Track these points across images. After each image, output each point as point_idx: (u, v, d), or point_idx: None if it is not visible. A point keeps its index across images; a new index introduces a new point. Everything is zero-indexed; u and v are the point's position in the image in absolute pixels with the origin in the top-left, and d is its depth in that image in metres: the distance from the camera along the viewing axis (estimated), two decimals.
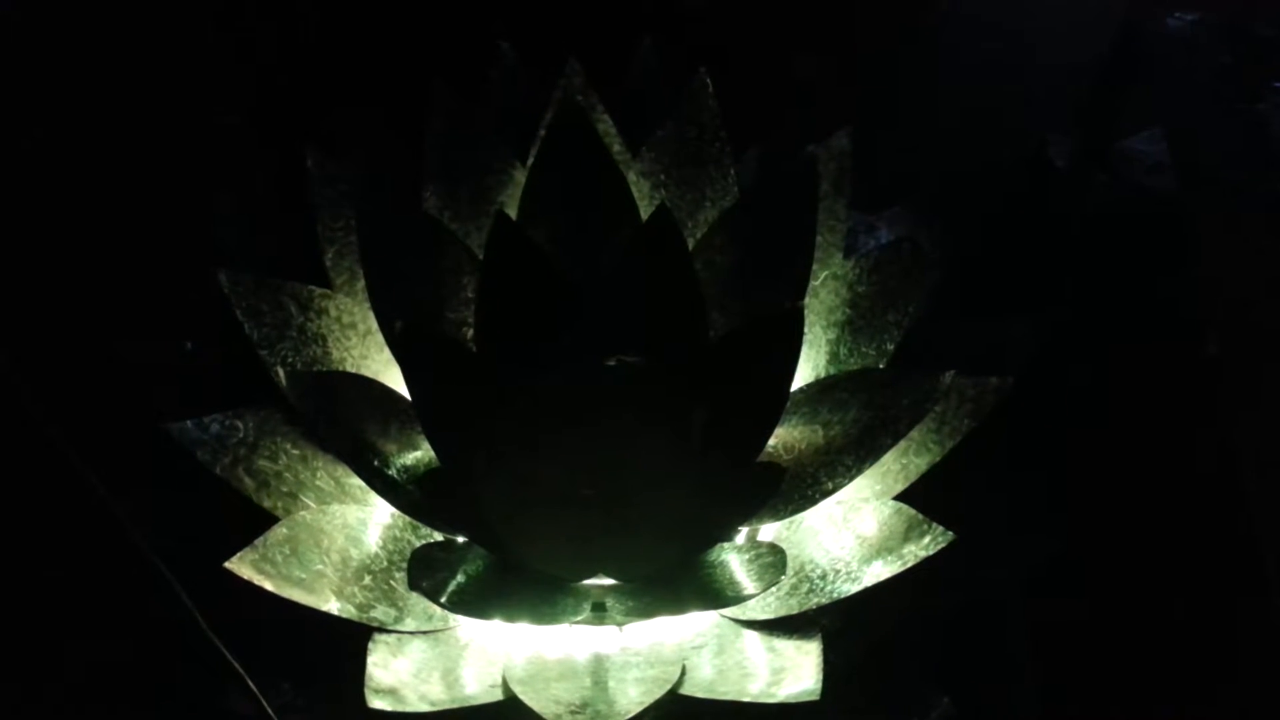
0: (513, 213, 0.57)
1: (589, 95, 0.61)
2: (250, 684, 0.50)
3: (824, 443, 0.54)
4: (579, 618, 0.51)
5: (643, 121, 0.60)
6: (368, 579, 0.52)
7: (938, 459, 0.54)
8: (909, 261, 0.56)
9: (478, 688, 0.50)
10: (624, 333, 0.53)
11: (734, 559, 0.53)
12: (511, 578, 0.52)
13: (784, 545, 0.52)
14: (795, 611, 0.51)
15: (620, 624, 0.52)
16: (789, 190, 0.55)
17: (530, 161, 0.59)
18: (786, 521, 0.55)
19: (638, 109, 0.62)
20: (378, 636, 0.50)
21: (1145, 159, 0.76)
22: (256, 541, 0.50)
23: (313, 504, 0.54)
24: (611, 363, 0.53)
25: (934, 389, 0.51)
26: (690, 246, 0.56)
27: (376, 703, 0.48)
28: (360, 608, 0.51)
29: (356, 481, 0.54)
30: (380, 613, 0.51)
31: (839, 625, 0.51)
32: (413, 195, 0.59)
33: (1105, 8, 0.77)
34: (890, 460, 0.54)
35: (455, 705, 0.49)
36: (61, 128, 0.76)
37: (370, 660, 0.49)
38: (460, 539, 0.54)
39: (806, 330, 0.50)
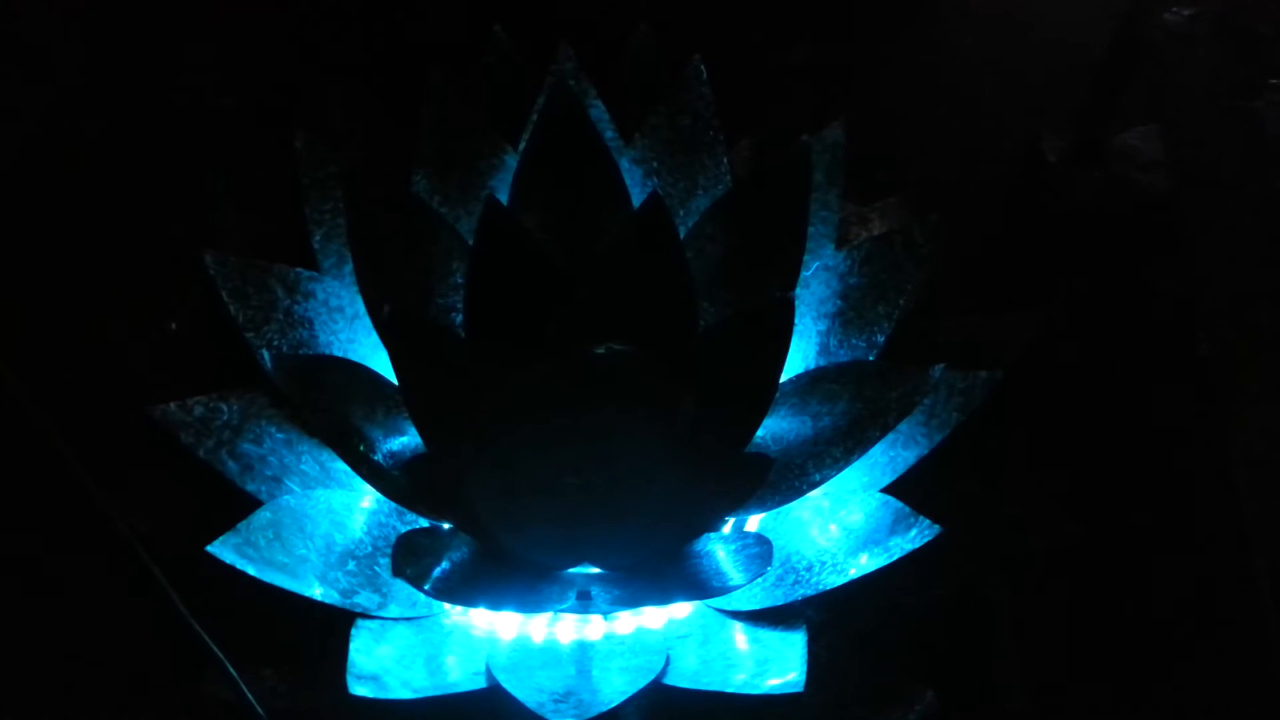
0: (503, 198, 0.56)
1: (582, 81, 0.60)
2: (230, 670, 0.49)
3: (812, 434, 0.53)
4: (564, 606, 0.51)
5: (636, 108, 0.60)
6: (351, 564, 0.52)
7: (926, 452, 0.54)
8: (901, 254, 0.56)
9: (461, 675, 0.50)
10: (614, 320, 0.53)
11: (720, 549, 0.52)
12: (496, 565, 0.52)
13: (770, 536, 0.52)
14: (781, 603, 0.51)
15: (605, 613, 0.52)
16: (782, 180, 0.54)
17: (522, 147, 0.58)
18: (773, 512, 0.54)
19: (631, 95, 0.61)
20: (360, 622, 0.50)
21: (1140, 155, 0.76)
22: (239, 525, 0.49)
23: (297, 488, 0.53)
24: (601, 351, 0.52)
25: (924, 382, 0.51)
26: (682, 235, 0.56)
27: (358, 689, 0.47)
28: (343, 593, 0.50)
29: (342, 466, 0.54)
30: (364, 598, 0.51)
31: (824, 617, 0.51)
32: (402, 179, 0.58)
33: (1105, 2, 0.76)
34: (878, 452, 0.54)
35: (438, 692, 0.49)
36: (53, 110, 0.75)
37: (352, 646, 0.49)
38: (445, 525, 0.54)
39: (797, 321, 0.50)
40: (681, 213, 0.59)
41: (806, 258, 0.56)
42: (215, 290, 0.54)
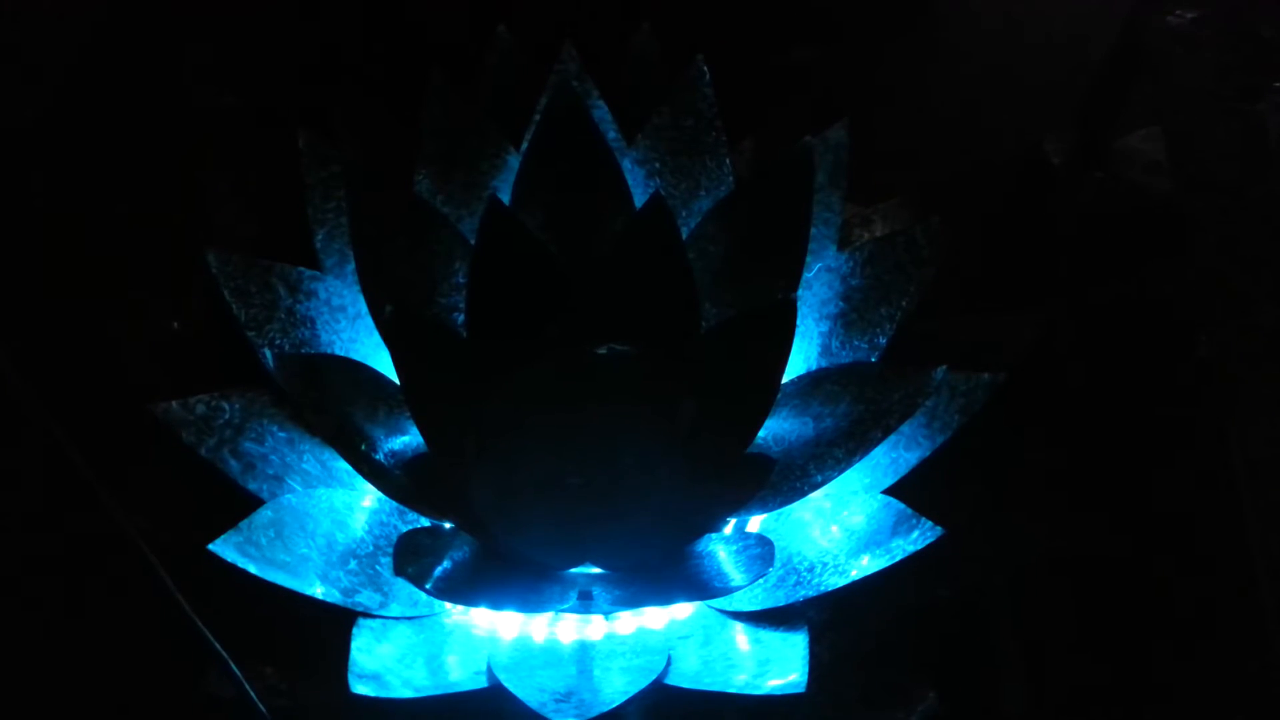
0: (506, 198, 0.56)
1: (584, 81, 0.60)
2: (233, 667, 0.49)
3: (814, 435, 0.53)
4: (565, 606, 0.51)
5: (639, 108, 0.60)
6: (353, 563, 0.52)
7: (928, 454, 0.54)
8: (903, 256, 0.56)
9: (462, 674, 0.50)
10: (616, 321, 0.53)
11: (722, 550, 0.52)
12: (498, 564, 0.52)
13: (772, 537, 0.52)
14: (782, 604, 0.51)
15: (607, 613, 0.52)
16: (784, 181, 0.54)
17: (524, 147, 0.58)
18: (775, 513, 0.54)
19: (634, 96, 0.61)
20: (362, 621, 0.50)
21: (1142, 158, 0.76)
22: (241, 524, 0.49)
23: (299, 487, 0.53)
24: (602, 351, 0.52)
25: (926, 383, 0.51)
26: (684, 236, 0.56)
27: (359, 688, 0.47)
28: (345, 592, 0.50)
29: (343, 465, 0.54)
30: (365, 597, 0.51)
31: (826, 618, 0.51)
32: (405, 178, 0.58)
33: (1107, 5, 0.76)
34: (880, 454, 0.54)
35: (439, 692, 0.49)
36: (56, 107, 0.75)
37: (354, 645, 0.49)
38: (447, 525, 0.54)
39: (799, 322, 0.50)
40: (684, 213, 0.59)
41: (808, 259, 0.56)
42: (218, 289, 0.54)
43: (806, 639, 0.49)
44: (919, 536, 0.49)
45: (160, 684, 0.54)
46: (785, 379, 0.54)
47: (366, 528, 0.53)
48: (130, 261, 0.68)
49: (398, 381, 0.52)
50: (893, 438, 0.52)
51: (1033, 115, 0.78)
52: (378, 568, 0.52)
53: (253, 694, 0.50)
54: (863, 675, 0.53)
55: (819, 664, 0.48)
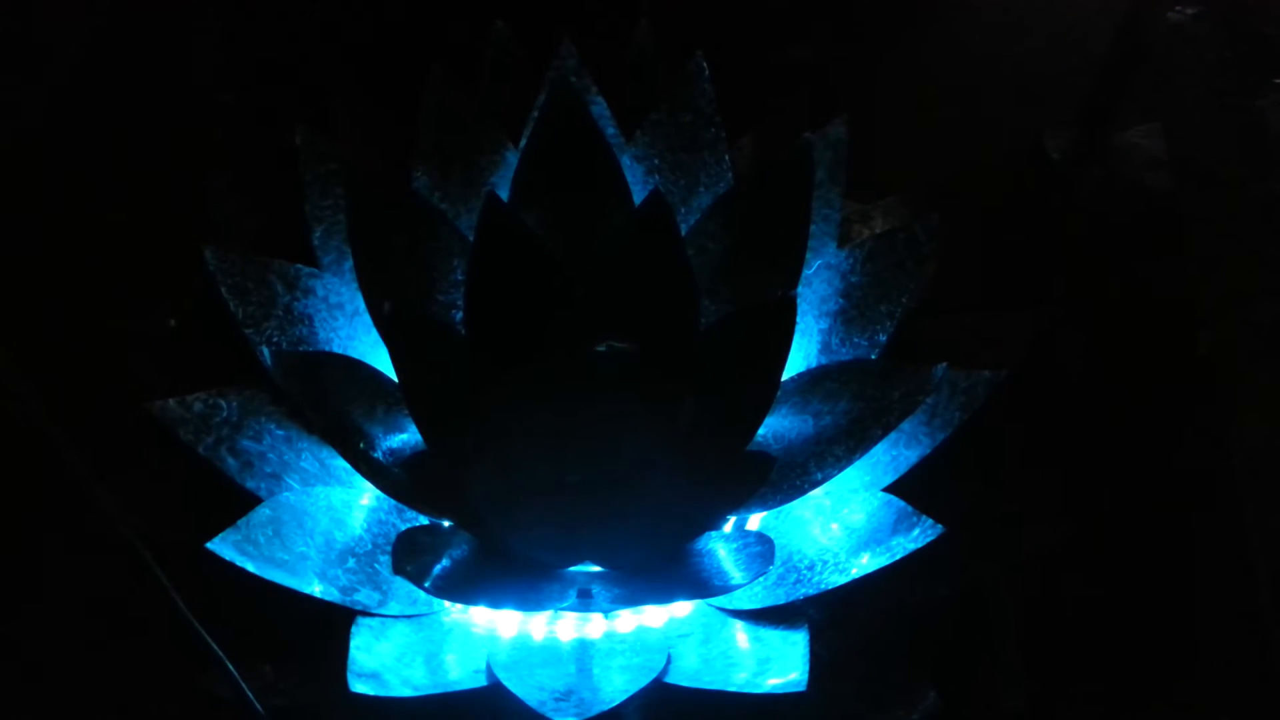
0: (504, 195, 0.56)
1: (583, 77, 0.60)
2: (230, 667, 0.49)
3: (814, 433, 0.53)
4: (565, 604, 0.51)
5: (638, 105, 0.60)
6: (351, 562, 0.51)
7: (928, 451, 0.54)
8: (903, 252, 0.56)
9: (461, 673, 0.50)
10: (615, 318, 0.53)
11: (722, 548, 0.52)
12: (497, 563, 0.52)
13: (772, 535, 0.52)
14: (782, 602, 0.50)
15: (606, 611, 0.52)
16: (784, 178, 0.54)
17: (523, 144, 0.58)
18: (775, 511, 0.54)
19: (633, 92, 0.61)
20: (361, 620, 0.50)
21: (1142, 154, 0.76)
22: (239, 522, 0.49)
23: (297, 485, 0.53)
24: (601, 348, 0.52)
25: (926, 381, 0.51)
26: (683, 232, 0.55)
27: (358, 687, 0.47)
28: (343, 591, 0.50)
29: (341, 463, 0.54)
30: (364, 596, 0.50)
31: (826, 617, 0.51)
32: (403, 175, 0.58)
33: (1107, 1, 0.76)
34: (880, 452, 0.54)
35: (438, 690, 0.49)
36: (53, 107, 0.75)
37: (353, 644, 0.49)
38: (446, 523, 0.54)
39: (799, 319, 0.50)
40: (683, 210, 0.59)
41: (808, 255, 0.56)
42: (215, 286, 0.54)
43: (807, 637, 0.49)
44: (919, 534, 0.49)
45: (158, 683, 0.54)
46: (785, 376, 0.53)
47: (365, 526, 0.53)
48: (127, 259, 0.68)
49: (396, 379, 0.52)
50: (893, 435, 0.52)
51: (1033, 111, 0.78)
52: (376, 566, 0.52)
53: (250, 693, 0.50)
54: (863, 674, 0.52)
55: (819, 662, 0.48)
